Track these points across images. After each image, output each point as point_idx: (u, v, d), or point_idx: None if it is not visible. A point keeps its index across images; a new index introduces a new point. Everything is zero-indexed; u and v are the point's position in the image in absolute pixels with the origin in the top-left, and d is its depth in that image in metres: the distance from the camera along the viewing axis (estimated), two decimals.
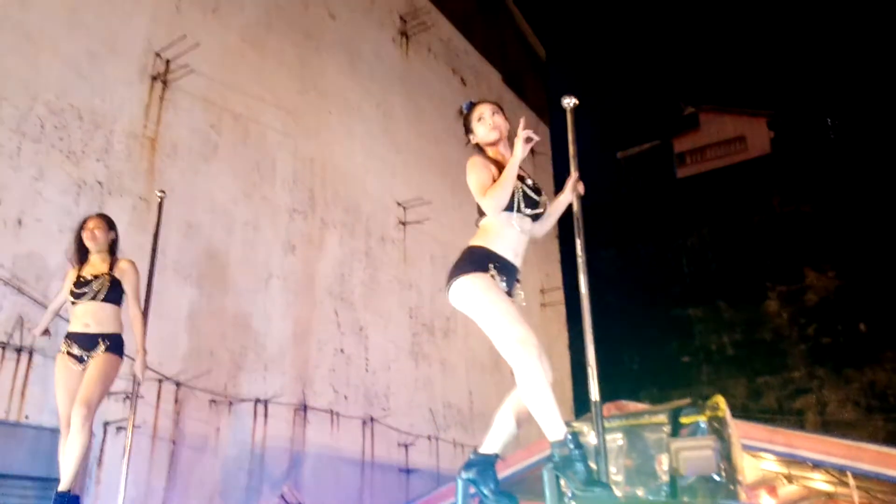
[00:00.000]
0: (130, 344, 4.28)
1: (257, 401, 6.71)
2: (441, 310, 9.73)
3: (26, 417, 5.09)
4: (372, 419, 7.86)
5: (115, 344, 4.04)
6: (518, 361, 2.48)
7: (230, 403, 6.45)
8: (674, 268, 17.09)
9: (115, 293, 4.16)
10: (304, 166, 8.09)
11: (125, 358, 4.23)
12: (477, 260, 2.71)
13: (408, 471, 8.08)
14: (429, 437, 8.64)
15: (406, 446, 8.20)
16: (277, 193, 7.66)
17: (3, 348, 5.06)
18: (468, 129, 3.06)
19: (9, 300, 5.16)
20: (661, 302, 16.59)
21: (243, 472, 6.38)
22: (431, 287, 9.68)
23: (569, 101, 3.02)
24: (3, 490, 4.95)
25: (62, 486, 3.71)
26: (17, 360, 5.13)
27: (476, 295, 2.67)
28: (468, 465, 2.67)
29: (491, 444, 2.71)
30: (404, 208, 9.46)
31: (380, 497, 7.56)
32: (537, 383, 2.44)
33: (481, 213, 2.87)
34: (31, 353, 5.17)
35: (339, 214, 8.46)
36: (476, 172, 2.80)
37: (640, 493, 2.88)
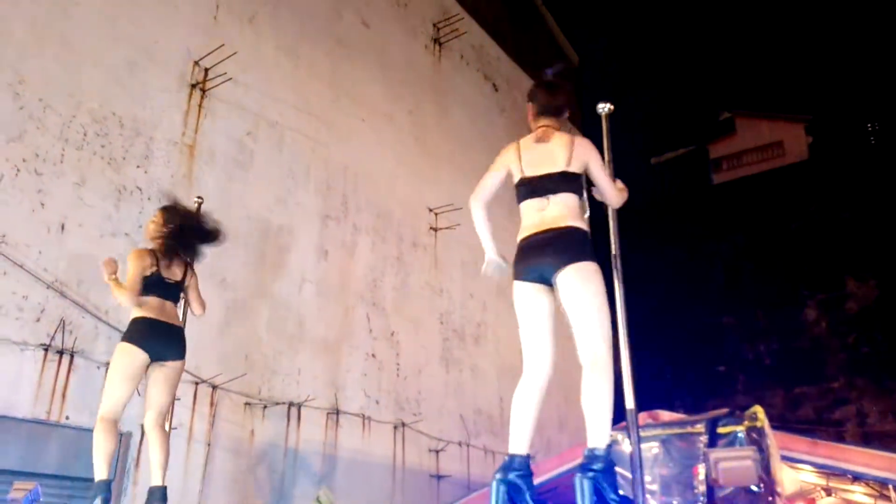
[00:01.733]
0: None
1: (291, 404, 6.78)
2: (471, 316, 9.73)
3: (66, 418, 5.22)
4: (403, 424, 7.88)
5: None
6: (607, 359, 2.56)
7: (264, 407, 6.53)
8: (709, 275, 16.83)
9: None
10: (337, 173, 8.17)
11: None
12: (593, 249, 2.83)
13: (438, 476, 8.08)
14: (459, 444, 8.63)
15: (437, 452, 8.20)
16: (311, 199, 7.75)
17: (46, 350, 5.20)
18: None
19: (52, 303, 5.31)
20: (697, 310, 16.35)
21: (277, 474, 6.44)
22: (462, 293, 9.69)
23: (603, 107, 3.01)
24: (44, 490, 5.08)
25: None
26: (59, 363, 5.27)
27: (599, 284, 2.77)
28: (593, 461, 2.53)
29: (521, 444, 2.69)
30: (435, 214, 9.49)
31: (411, 502, 7.57)
32: (611, 386, 2.49)
33: (569, 190, 2.91)
34: (72, 356, 5.31)
35: (371, 220, 8.52)
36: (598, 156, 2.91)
37: (675, 502, 2.84)
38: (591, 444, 2.49)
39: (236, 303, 6.61)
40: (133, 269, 3.98)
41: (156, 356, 3.92)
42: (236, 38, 7.06)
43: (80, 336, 5.34)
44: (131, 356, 3.86)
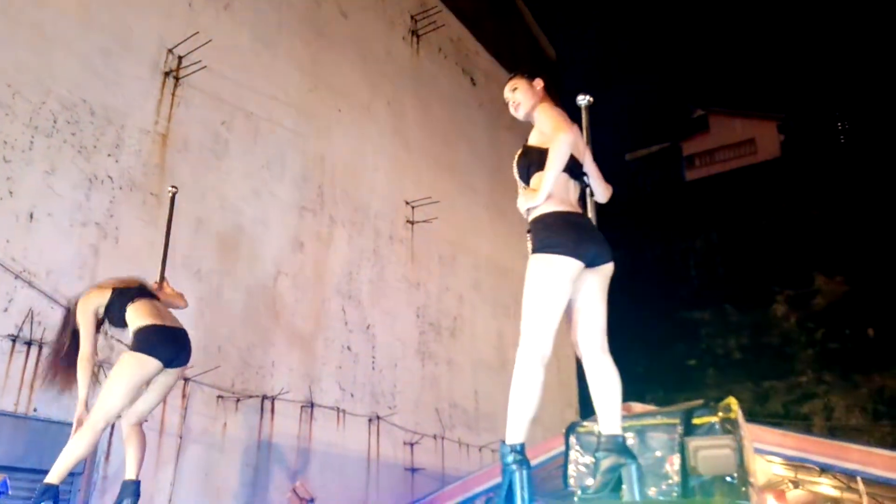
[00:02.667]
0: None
1: (264, 397, 6.72)
2: (448, 310, 9.73)
3: (35, 410, 5.11)
4: (378, 417, 7.86)
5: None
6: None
7: (237, 400, 6.46)
8: (681, 270, 17.05)
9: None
10: (313, 164, 8.10)
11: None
12: None
13: (413, 470, 8.08)
14: (434, 437, 8.64)
15: (412, 445, 8.20)
16: (287, 190, 7.68)
17: (14, 341, 5.09)
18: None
19: (20, 293, 5.18)
20: (668, 305, 16.56)
21: (250, 468, 6.39)
22: (439, 286, 9.69)
23: (583, 99, 3.01)
24: (12, 483, 4.97)
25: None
26: (27, 354, 5.15)
27: None
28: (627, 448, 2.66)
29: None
30: (412, 207, 9.47)
31: (385, 495, 7.56)
32: None
33: (584, 183, 3.00)
34: (40, 347, 5.19)
35: (348, 212, 8.47)
36: None
37: (651, 492, 2.87)
38: (615, 431, 2.56)
39: (210, 294, 6.52)
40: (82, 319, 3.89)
41: (168, 364, 3.76)
42: (212, 25, 6.95)
43: (49, 327, 5.22)
44: (144, 368, 3.68)
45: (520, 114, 3.05)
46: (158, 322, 3.79)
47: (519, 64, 13.04)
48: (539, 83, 3.04)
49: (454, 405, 9.24)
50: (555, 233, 2.68)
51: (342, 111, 8.72)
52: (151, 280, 4.36)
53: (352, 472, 7.48)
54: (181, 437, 5.89)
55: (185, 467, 5.86)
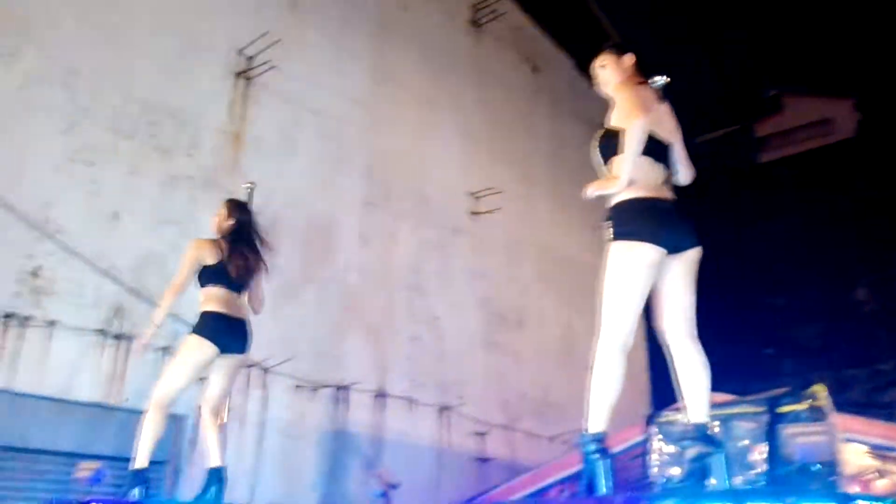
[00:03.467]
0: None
1: (338, 387, 6.87)
2: (513, 301, 9.70)
3: (126, 401, 5.37)
4: (448, 407, 7.92)
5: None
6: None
7: (313, 389, 6.63)
8: (755, 256, 16.46)
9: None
10: (378, 159, 8.21)
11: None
12: None
13: (483, 460, 8.12)
14: (503, 427, 8.64)
15: (481, 435, 8.23)
16: (354, 186, 7.80)
17: (104, 335, 5.36)
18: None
19: (107, 290, 5.46)
20: (743, 292, 16.02)
21: (327, 456, 6.55)
22: (504, 277, 9.67)
23: (659, 80, 2.92)
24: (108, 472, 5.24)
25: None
26: (117, 347, 5.43)
27: None
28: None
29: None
30: (476, 198, 9.46)
31: (456, 484, 7.62)
32: None
33: (669, 166, 2.95)
34: (129, 341, 5.46)
35: (412, 206, 8.54)
36: None
37: (737, 481, 2.80)
38: (702, 420, 2.51)
39: (284, 287, 6.70)
40: (186, 257, 4.07)
41: (223, 349, 3.98)
42: (279, 25, 7.09)
43: (136, 321, 5.48)
44: (202, 350, 3.92)
45: (606, 91, 2.99)
46: (221, 310, 3.99)
47: (580, 49, 12.80)
48: (629, 59, 2.97)
49: (522, 396, 9.22)
50: (632, 220, 2.64)
51: (406, 105, 8.79)
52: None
53: (423, 461, 7.56)
54: (262, 426, 6.09)
55: (266, 456, 6.06)
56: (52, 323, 5.04)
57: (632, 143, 2.60)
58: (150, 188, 5.93)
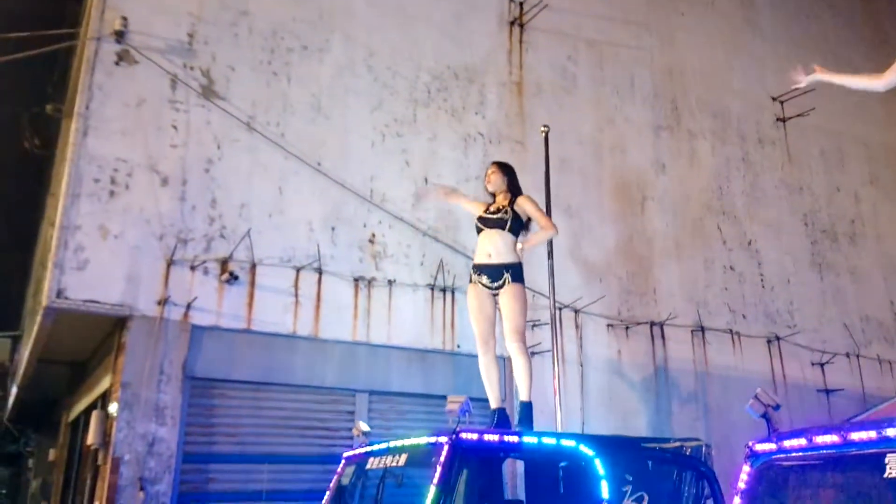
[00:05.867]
0: (530, 275, 4.53)
1: (652, 323, 6.67)
2: (842, 212, 8.42)
3: (458, 347, 5.84)
4: (777, 338, 7.21)
5: (516, 273, 4.20)
6: None
7: (626, 327, 6.53)
8: None
9: (515, 224, 4.25)
10: (662, 78, 7.66)
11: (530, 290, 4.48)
12: None
13: (828, 391, 7.26)
14: (847, 355, 7.62)
15: (821, 365, 7.36)
16: (639, 112, 7.40)
17: (432, 289, 5.87)
18: None
19: (429, 248, 5.95)
20: None
21: (651, 392, 6.43)
22: (826, 187, 8.43)
23: None
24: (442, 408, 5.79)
25: (503, 403, 4.15)
26: (444, 300, 5.91)
27: None
28: None
29: None
30: (781, 103, 8.34)
31: (799, 417, 6.93)
32: None
33: None
34: (453, 293, 5.91)
35: (708, 122, 7.84)
36: None
37: None
38: None
39: (582, 228, 6.66)
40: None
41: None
42: None
43: (457, 274, 5.90)
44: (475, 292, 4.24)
45: None
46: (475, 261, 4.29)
47: None
48: None
49: (866, 319, 8.02)
50: None
51: (684, 14, 8.03)
52: None
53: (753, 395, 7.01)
54: (581, 365, 6.18)
55: (590, 392, 6.14)
56: (391, 282, 5.66)
57: None
58: (449, 150, 6.27)
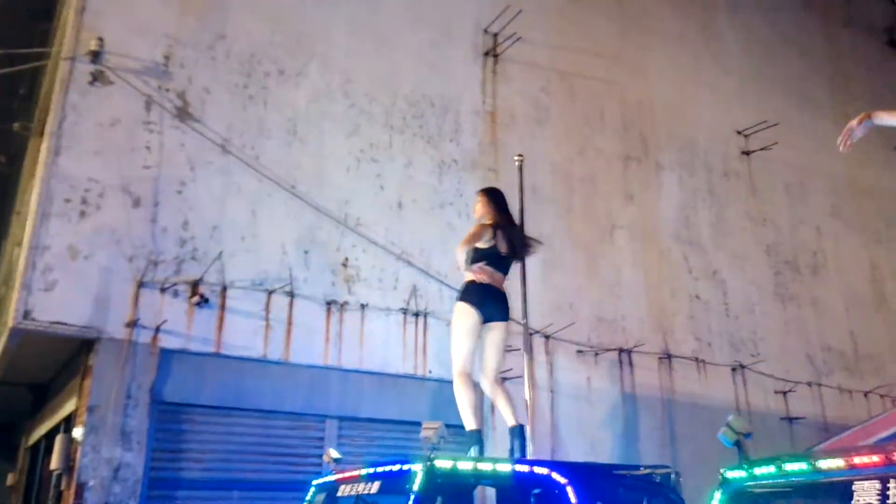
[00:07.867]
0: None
1: (620, 350, 6.76)
2: (805, 244, 8.67)
3: (430, 372, 5.85)
4: (742, 366, 7.36)
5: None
6: None
7: (595, 354, 6.61)
8: None
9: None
10: (631, 110, 7.86)
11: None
12: None
13: (790, 419, 7.41)
14: (809, 384, 7.80)
15: (784, 394, 7.52)
16: (609, 143, 7.57)
17: (405, 313, 5.89)
18: None
19: (402, 272, 5.97)
20: None
21: (619, 419, 6.50)
22: (790, 219, 8.68)
23: None
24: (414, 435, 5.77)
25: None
26: (416, 324, 5.92)
27: None
28: None
29: None
30: (745, 136, 8.60)
31: (764, 445, 7.05)
32: None
33: None
34: (425, 317, 5.93)
35: (675, 154, 8.04)
36: None
37: None
38: None
39: (553, 256, 6.75)
40: (473, 232, 4.23)
41: (487, 317, 4.11)
42: None
43: (429, 299, 5.93)
44: (469, 314, 4.10)
45: None
46: (485, 280, 4.10)
47: None
48: None
49: (828, 349, 8.23)
50: None
51: (654, 49, 8.28)
52: None
53: (721, 422, 7.12)
54: (552, 392, 6.23)
55: (561, 418, 6.19)
56: (364, 306, 5.66)
57: None
58: (425, 176, 6.34)
